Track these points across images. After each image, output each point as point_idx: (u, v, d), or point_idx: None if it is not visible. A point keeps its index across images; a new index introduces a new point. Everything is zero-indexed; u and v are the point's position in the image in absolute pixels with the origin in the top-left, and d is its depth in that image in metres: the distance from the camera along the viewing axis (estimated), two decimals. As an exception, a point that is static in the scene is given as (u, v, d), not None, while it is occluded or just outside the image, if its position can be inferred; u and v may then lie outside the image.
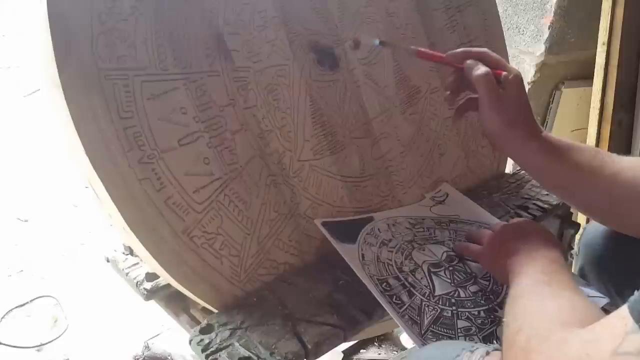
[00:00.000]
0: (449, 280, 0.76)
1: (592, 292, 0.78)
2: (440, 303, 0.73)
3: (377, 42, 0.85)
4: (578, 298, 0.55)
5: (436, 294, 0.74)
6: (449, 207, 0.91)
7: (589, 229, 0.89)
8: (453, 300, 0.73)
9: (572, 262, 1.01)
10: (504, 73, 0.72)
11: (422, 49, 0.81)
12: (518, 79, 0.72)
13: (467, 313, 0.72)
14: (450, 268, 0.78)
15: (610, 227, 0.79)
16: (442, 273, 0.77)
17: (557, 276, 0.60)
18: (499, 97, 0.71)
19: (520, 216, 0.93)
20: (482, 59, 0.74)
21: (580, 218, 1.67)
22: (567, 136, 1.82)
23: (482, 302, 0.74)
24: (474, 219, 0.89)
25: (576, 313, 0.51)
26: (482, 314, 0.72)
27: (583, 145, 0.74)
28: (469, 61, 0.74)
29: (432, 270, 0.77)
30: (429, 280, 0.76)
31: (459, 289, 0.75)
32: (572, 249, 1.02)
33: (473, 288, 0.76)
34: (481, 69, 0.72)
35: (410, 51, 0.82)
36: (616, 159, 0.71)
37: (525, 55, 1.69)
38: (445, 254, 0.80)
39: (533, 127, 0.74)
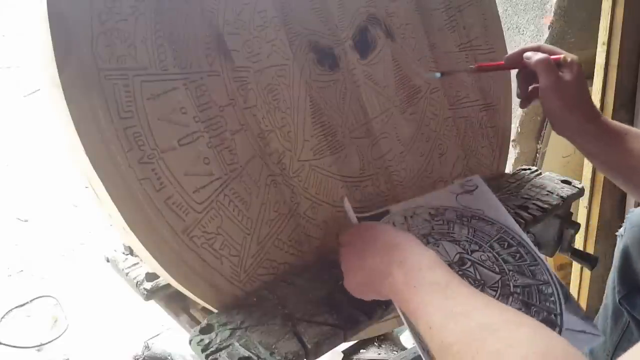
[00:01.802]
0: None
1: (588, 327, 0.71)
2: None
3: (438, 75, 0.93)
4: (516, 318, 0.48)
5: None
6: (476, 200, 0.88)
7: (637, 211, 0.90)
8: None
9: (616, 244, 1.02)
10: (562, 56, 0.77)
11: (481, 63, 0.86)
12: (576, 63, 0.76)
13: None
14: (460, 272, 0.76)
15: None
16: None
17: (459, 290, 0.53)
18: (558, 80, 0.75)
19: (521, 217, 0.91)
20: (538, 50, 0.79)
21: (580, 218, 1.67)
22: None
23: None
24: (496, 220, 0.85)
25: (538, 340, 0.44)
26: None
27: None
28: (526, 53, 0.79)
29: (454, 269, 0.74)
30: None
31: None
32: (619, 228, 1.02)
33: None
34: (539, 55, 0.77)
35: (471, 70, 0.88)
36: None
37: (525, 55, 1.69)
38: (458, 256, 0.78)
39: (591, 110, 0.77)
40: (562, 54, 0.77)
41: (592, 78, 1.64)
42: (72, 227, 2.10)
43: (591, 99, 0.78)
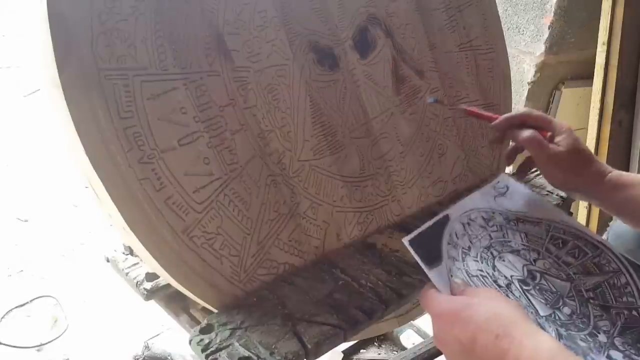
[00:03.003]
0: (544, 301, 0.68)
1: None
2: (547, 326, 0.64)
3: (431, 100, 0.91)
4: None
5: (541, 314, 0.66)
6: (511, 201, 0.81)
7: (618, 223, 0.89)
8: (559, 323, 0.65)
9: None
10: (549, 134, 0.74)
11: (471, 109, 0.85)
12: (566, 130, 0.74)
13: (577, 337, 0.64)
14: (537, 287, 0.71)
15: None
16: (532, 291, 0.70)
17: None
18: (553, 153, 0.73)
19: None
20: (524, 121, 0.76)
21: (580, 218, 1.67)
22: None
23: (581, 325, 0.66)
24: (542, 216, 0.78)
25: None
26: (588, 338, 0.65)
27: None
28: (510, 132, 0.77)
29: (524, 287, 0.70)
30: (528, 299, 0.68)
31: (556, 311, 0.67)
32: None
33: (566, 310, 0.68)
34: (525, 133, 0.74)
35: (460, 110, 0.85)
36: None
37: (525, 55, 1.69)
38: (525, 269, 0.72)
39: (597, 170, 0.75)
40: (550, 127, 0.74)
41: (592, 78, 1.64)
42: (72, 227, 2.10)
43: (595, 158, 0.75)
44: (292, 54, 0.83)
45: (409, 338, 1.47)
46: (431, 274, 0.65)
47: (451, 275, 0.66)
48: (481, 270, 0.70)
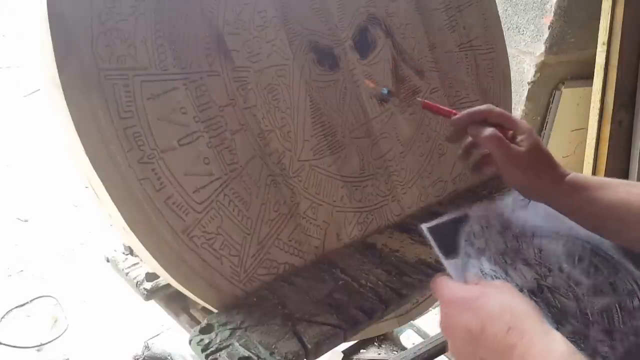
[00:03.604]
0: (549, 315, 0.67)
1: None
2: None
3: (385, 91, 0.88)
4: None
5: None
6: (532, 215, 0.79)
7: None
8: None
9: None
10: (511, 132, 0.72)
11: (428, 102, 0.80)
12: (527, 130, 0.71)
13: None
14: (545, 300, 0.69)
15: None
16: (540, 303, 0.68)
17: None
18: (513, 153, 0.70)
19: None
20: (486, 118, 0.73)
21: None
22: (567, 136, 1.82)
23: (582, 345, 0.64)
24: (561, 231, 0.76)
25: None
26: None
27: (615, 182, 0.72)
28: (471, 128, 0.73)
29: (532, 297, 0.68)
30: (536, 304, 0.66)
31: (559, 327, 0.66)
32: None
33: (568, 327, 0.67)
34: (486, 131, 0.71)
35: (416, 103, 0.81)
36: None
37: (525, 55, 1.69)
38: (535, 282, 0.71)
39: (557, 172, 0.72)
40: (511, 125, 0.71)
41: (592, 78, 1.64)
42: (72, 227, 2.10)
43: (554, 161, 0.73)
44: (292, 54, 0.83)
45: (409, 338, 1.47)
46: (447, 263, 0.65)
47: (466, 270, 0.66)
48: (494, 272, 0.69)
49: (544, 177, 0.72)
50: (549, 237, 0.76)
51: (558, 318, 0.68)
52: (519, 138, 0.71)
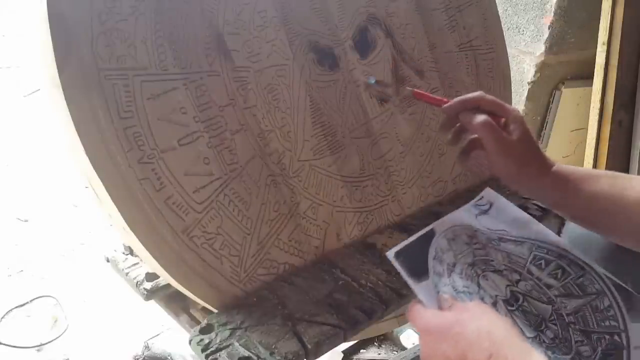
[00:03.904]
0: (527, 322, 0.66)
1: None
2: (535, 348, 0.61)
3: (372, 80, 0.88)
4: None
5: (527, 336, 0.64)
6: (494, 219, 0.78)
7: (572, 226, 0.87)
8: (545, 346, 0.63)
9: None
10: (503, 120, 0.71)
11: (419, 91, 0.79)
12: (519, 118, 0.71)
13: None
14: (521, 309, 0.68)
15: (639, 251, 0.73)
16: (517, 312, 0.67)
17: None
18: (505, 142, 0.70)
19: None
20: (478, 105, 0.72)
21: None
22: (567, 136, 1.82)
23: (564, 349, 0.64)
24: (524, 236, 0.75)
25: None
26: None
27: (599, 173, 0.72)
28: (463, 115, 0.72)
29: (508, 308, 0.68)
30: (513, 320, 0.65)
31: (540, 334, 0.65)
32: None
33: (549, 333, 0.66)
34: (479, 118, 0.70)
35: (407, 92, 0.80)
36: (636, 183, 0.69)
37: (525, 55, 1.69)
38: (508, 290, 0.70)
39: (544, 162, 0.72)
40: (503, 112, 0.71)
41: (592, 78, 1.64)
42: (72, 227, 2.10)
43: (541, 151, 0.72)
44: (292, 54, 0.83)
45: (409, 338, 1.47)
46: (417, 288, 0.63)
47: (438, 291, 0.64)
48: (467, 287, 0.68)
49: (531, 167, 0.71)
50: (514, 242, 0.75)
51: (537, 325, 0.67)
52: (511, 127, 0.71)
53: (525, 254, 0.73)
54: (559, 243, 0.72)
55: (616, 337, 0.64)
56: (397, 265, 0.66)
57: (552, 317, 0.68)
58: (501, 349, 0.53)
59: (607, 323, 0.66)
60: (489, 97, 0.72)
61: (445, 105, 0.74)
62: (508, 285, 0.70)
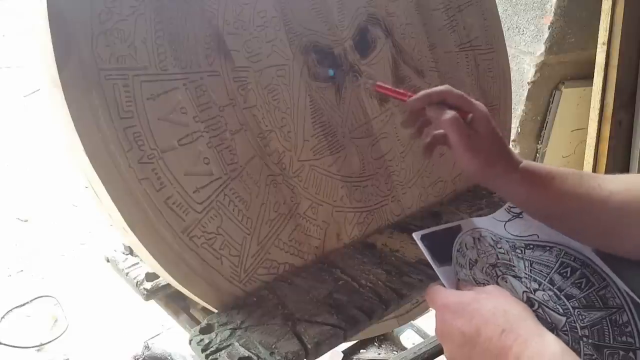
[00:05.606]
0: None
1: None
2: None
3: (331, 72, 0.87)
4: None
5: None
6: (526, 223, 0.77)
7: None
8: None
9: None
10: (470, 115, 0.70)
11: (380, 84, 0.77)
12: (485, 114, 0.70)
13: None
14: (535, 314, 0.66)
15: (606, 251, 0.73)
16: None
17: None
18: (471, 138, 0.69)
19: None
20: (444, 100, 0.71)
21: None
22: (567, 136, 1.82)
23: None
24: (555, 241, 0.74)
25: None
26: None
27: (566, 172, 0.71)
28: (429, 110, 0.71)
29: None
30: None
31: None
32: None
33: None
34: (447, 114, 0.68)
35: (369, 85, 0.79)
36: (602, 183, 0.68)
37: (525, 55, 1.70)
38: (525, 295, 0.69)
39: (511, 159, 0.71)
40: (470, 108, 0.69)
41: (592, 78, 1.64)
42: (72, 227, 2.10)
43: (508, 148, 0.71)
44: (292, 54, 0.83)
45: (409, 338, 1.47)
46: (439, 270, 0.65)
47: (458, 278, 0.66)
48: (487, 281, 0.68)
49: (497, 163, 0.70)
50: (542, 248, 0.75)
51: (549, 330, 0.65)
52: (477, 123, 0.70)
53: (552, 262, 0.73)
54: (584, 250, 0.72)
55: (631, 354, 0.64)
56: (422, 246, 0.67)
57: (565, 328, 0.67)
58: (515, 326, 0.53)
59: (623, 339, 0.65)
60: (456, 91, 0.71)
61: (410, 99, 0.72)
62: (525, 291, 0.70)
